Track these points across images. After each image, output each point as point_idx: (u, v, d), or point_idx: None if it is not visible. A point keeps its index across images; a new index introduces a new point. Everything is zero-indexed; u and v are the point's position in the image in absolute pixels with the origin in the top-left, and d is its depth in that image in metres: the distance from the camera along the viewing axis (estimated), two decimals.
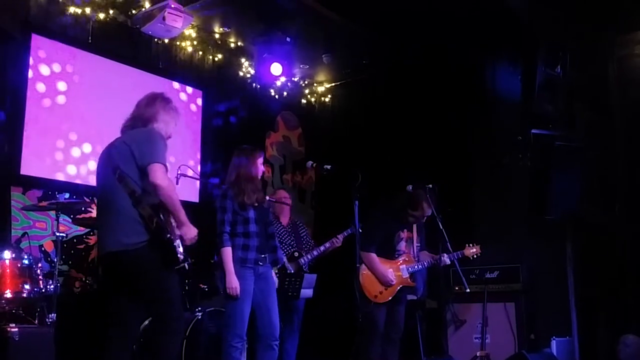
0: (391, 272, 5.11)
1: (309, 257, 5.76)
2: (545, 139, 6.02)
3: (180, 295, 3.64)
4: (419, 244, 5.31)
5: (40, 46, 5.47)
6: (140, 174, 3.44)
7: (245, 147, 4.65)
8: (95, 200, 3.71)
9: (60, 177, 5.53)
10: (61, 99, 5.60)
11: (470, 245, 5.33)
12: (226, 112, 7.03)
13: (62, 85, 5.61)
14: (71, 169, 5.62)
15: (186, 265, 3.47)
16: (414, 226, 5.29)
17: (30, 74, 5.37)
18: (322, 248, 5.81)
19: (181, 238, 3.47)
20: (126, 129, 3.68)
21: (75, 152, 5.67)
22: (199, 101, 6.78)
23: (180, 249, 3.45)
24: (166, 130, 3.69)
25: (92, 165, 5.74)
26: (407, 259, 5.20)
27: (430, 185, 5.24)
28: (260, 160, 4.58)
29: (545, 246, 6.41)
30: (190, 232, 3.50)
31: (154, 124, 3.64)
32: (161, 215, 3.42)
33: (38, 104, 5.44)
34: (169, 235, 3.39)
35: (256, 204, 4.52)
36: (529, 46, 5.99)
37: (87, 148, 5.74)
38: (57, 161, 5.53)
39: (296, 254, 5.73)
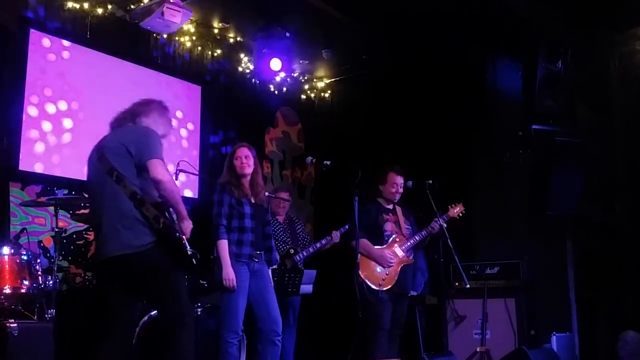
0: (388, 253, 5.10)
1: (305, 253, 5.75)
2: (545, 135, 6.02)
3: (187, 290, 3.66)
4: (408, 227, 5.30)
5: (38, 41, 5.44)
6: (138, 173, 3.42)
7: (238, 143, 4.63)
8: (89, 202, 3.64)
9: (58, 172, 5.50)
10: (60, 95, 5.57)
11: (453, 205, 5.33)
12: (225, 108, 7.01)
13: (59, 82, 5.58)
14: (68, 165, 5.60)
15: (194, 260, 3.49)
16: (399, 210, 5.29)
17: (28, 67, 5.34)
18: (317, 245, 5.81)
19: (181, 232, 3.47)
20: (114, 126, 3.64)
21: (74, 147, 5.65)
22: (198, 97, 6.75)
23: (187, 245, 3.47)
24: (156, 129, 3.63)
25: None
26: (397, 239, 5.19)
27: (430, 181, 5.23)
28: (240, 152, 4.48)
29: (545, 242, 6.41)
30: (190, 225, 3.52)
31: (143, 118, 3.61)
32: (166, 214, 3.42)
33: (37, 100, 5.40)
34: (177, 234, 3.40)
35: (253, 200, 4.50)
36: (530, 42, 5.99)
37: (85, 143, 5.72)
38: (56, 156, 5.51)
39: (292, 251, 5.72)
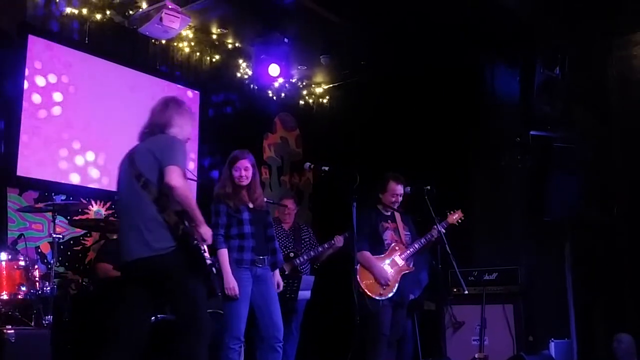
0: (388, 268, 5.08)
1: (305, 257, 5.74)
2: (543, 141, 6.02)
3: (205, 297, 3.71)
4: (407, 233, 5.29)
5: (37, 47, 5.44)
6: (163, 179, 3.50)
7: (234, 152, 4.61)
8: (115, 207, 3.74)
9: (56, 178, 5.50)
10: (58, 99, 5.57)
11: (452, 212, 5.32)
12: (224, 114, 7.02)
13: (58, 87, 5.57)
14: (67, 170, 5.59)
15: (214, 269, 3.64)
16: (398, 216, 5.29)
17: (26, 72, 5.34)
18: (319, 249, 5.80)
19: (202, 238, 3.53)
20: (145, 135, 3.74)
21: (72, 154, 5.65)
22: (196, 102, 6.75)
23: (207, 254, 3.59)
24: (183, 134, 3.76)
25: (91, 168, 5.73)
26: (397, 247, 5.18)
27: (428, 187, 5.23)
28: (240, 164, 4.47)
29: (543, 248, 6.41)
30: (208, 231, 3.58)
31: (171, 129, 3.71)
32: (186, 223, 3.49)
33: (34, 105, 5.40)
34: (195, 242, 3.48)
35: (251, 206, 4.50)
36: (528, 47, 6.00)
37: (79, 146, 5.72)
38: (54, 162, 5.50)
39: (291, 255, 5.71)
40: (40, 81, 5.46)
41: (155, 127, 3.71)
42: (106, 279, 4.94)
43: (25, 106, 5.32)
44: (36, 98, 5.42)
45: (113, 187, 5.82)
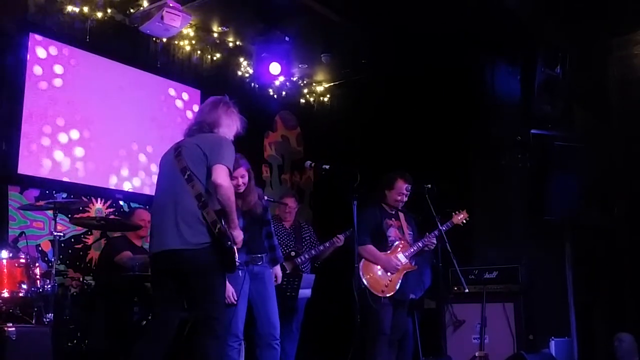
0: (393, 258, 5.09)
1: (306, 256, 5.75)
2: (544, 140, 6.03)
3: (225, 300, 3.76)
4: (410, 232, 5.30)
5: (38, 45, 5.45)
6: (208, 176, 3.54)
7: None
8: (154, 200, 3.78)
9: (57, 176, 5.50)
10: (59, 97, 5.57)
11: (457, 212, 5.33)
12: None
13: (58, 82, 5.58)
14: (66, 168, 5.60)
15: (240, 272, 3.67)
16: (401, 215, 5.29)
17: (27, 70, 5.34)
18: (321, 247, 5.80)
19: (233, 241, 3.54)
20: (194, 132, 3.76)
21: (73, 151, 5.65)
22: (197, 101, 6.76)
23: (237, 256, 3.58)
24: (230, 134, 3.82)
25: (90, 164, 5.73)
26: (401, 245, 5.18)
27: (429, 186, 5.23)
28: (237, 172, 4.37)
29: (544, 247, 6.41)
30: (240, 235, 3.62)
31: (219, 129, 3.76)
32: (223, 222, 3.50)
33: (35, 104, 5.41)
34: (230, 242, 3.49)
35: (243, 208, 4.46)
36: (529, 47, 6.00)
37: (81, 148, 5.73)
38: (53, 160, 5.51)
39: (292, 254, 5.72)
40: (41, 79, 5.46)
41: (204, 125, 3.75)
42: (125, 269, 4.91)
43: (27, 105, 5.32)
44: (37, 96, 5.42)
45: (113, 186, 5.89)
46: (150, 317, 3.61)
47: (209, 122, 3.77)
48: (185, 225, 3.47)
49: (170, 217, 3.52)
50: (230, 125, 3.84)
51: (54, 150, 5.52)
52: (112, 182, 5.90)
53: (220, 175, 3.49)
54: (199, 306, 3.55)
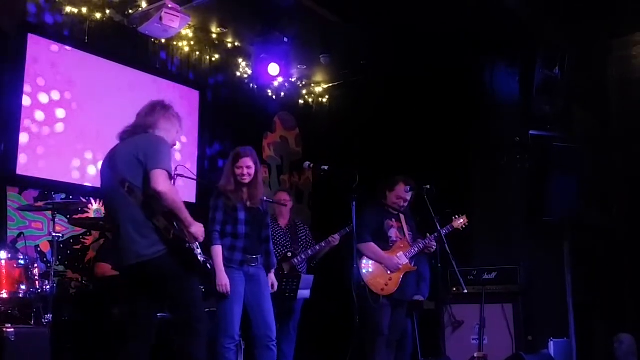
0: (395, 257, 5.09)
1: (303, 256, 5.74)
2: (543, 140, 6.03)
3: (201, 297, 3.72)
4: (411, 233, 5.29)
5: (36, 46, 5.44)
6: (148, 180, 3.44)
7: (237, 149, 4.60)
8: (104, 209, 3.75)
9: (56, 177, 5.49)
10: (56, 98, 5.56)
11: (457, 216, 5.33)
12: (223, 113, 7.01)
13: (57, 86, 5.57)
14: (66, 169, 5.59)
15: (208, 265, 3.63)
16: (402, 216, 5.29)
17: (25, 71, 5.33)
18: (317, 247, 5.79)
19: (194, 238, 3.51)
20: (127, 135, 3.64)
21: (71, 153, 5.64)
22: (196, 102, 6.76)
23: (199, 251, 3.55)
24: (168, 138, 3.67)
25: (90, 166, 5.73)
26: (402, 245, 5.18)
27: (428, 186, 5.23)
28: (242, 162, 4.45)
29: (543, 247, 6.41)
30: (200, 229, 3.54)
31: (155, 130, 3.63)
32: (175, 225, 3.46)
33: (33, 105, 5.40)
34: (188, 244, 3.47)
35: (248, 204, 4.49)
36: (528, 47, 6.00)
37: (81, 146, 5.72)
38: (53, 161, 5.50)
39: (289, 254, 5.71)
40: (39, 80, 5.45)
41: (139, 129, 3.63)
42: (103, 278, 4.94)
43: (24, 105, 5.32)
44: (35, 97, 5.42)
45: None
46: (130, 318, 3.60)
47: (145, 125, 3.63)
48: (142, 238, 3.41)
49: (126, 233, 3.45)
50: (169, 130, 3.68)
51: (52, 150, 5.50)
52: None
53: (159, 181, 3.37)
54: (175, 309, 3.58)
